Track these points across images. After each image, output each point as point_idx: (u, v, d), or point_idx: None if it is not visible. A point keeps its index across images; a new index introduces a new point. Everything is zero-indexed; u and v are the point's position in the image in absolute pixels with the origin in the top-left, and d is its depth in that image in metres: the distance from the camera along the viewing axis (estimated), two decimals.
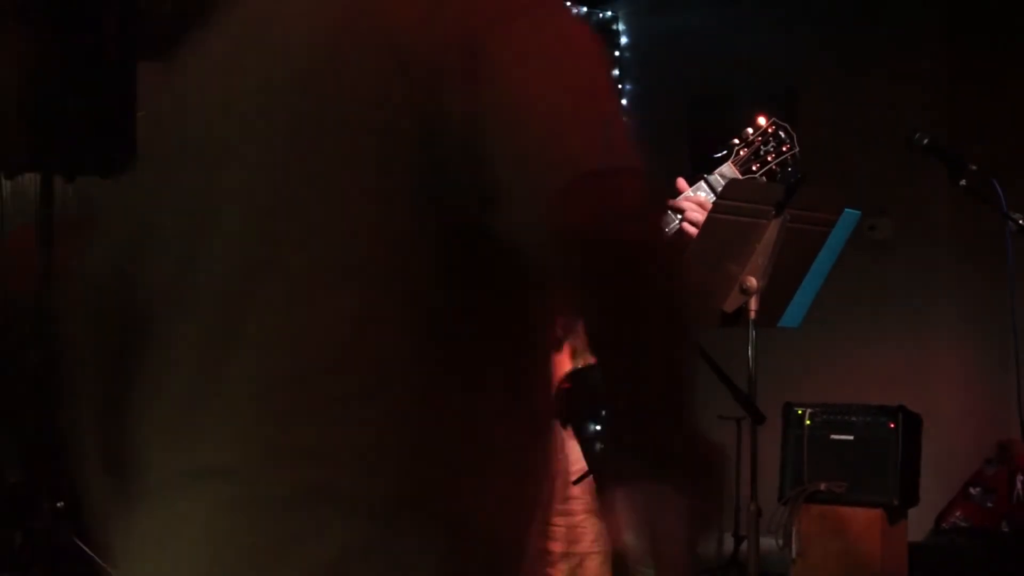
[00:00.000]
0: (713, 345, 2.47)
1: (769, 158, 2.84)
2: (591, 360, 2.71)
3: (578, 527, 2.77)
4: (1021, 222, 3.02)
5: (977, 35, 5.38)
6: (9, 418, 4.06)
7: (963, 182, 3.07)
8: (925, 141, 3.14)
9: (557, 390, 2.70)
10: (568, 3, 6.49)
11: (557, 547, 2.76)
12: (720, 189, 2.75)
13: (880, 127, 5.50)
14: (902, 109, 5.42)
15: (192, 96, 1.33)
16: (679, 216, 2.75)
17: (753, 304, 2.78)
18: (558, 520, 2.75)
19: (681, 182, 2.79)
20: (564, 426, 2.79)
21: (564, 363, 2.70)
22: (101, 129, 3.75)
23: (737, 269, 2.78)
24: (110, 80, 3.78)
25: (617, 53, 6.80)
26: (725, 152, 2.85)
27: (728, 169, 2.81)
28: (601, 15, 6.73)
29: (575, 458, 2.80)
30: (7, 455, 4.02)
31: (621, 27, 6.81)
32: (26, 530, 3.85)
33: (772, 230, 2.75)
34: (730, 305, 2.81)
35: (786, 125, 2.86)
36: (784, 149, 2.85)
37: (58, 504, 3.60)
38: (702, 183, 2.78)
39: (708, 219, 2.67)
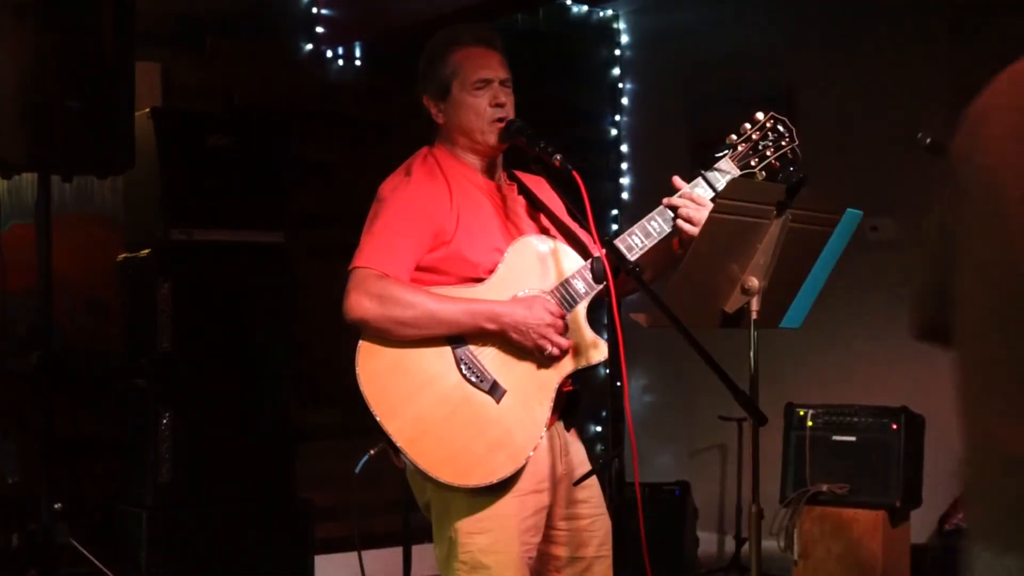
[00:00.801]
0: (715, 346, 2.46)
1: (768, 152, 2.82)
2: (592, 360, 2.70)
3: (585, 531, 2.74)
4: None
5: (980, 32, 5.36)
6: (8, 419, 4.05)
7: None
8: (928, 140, 3.12)
9: (559, 392, 2.69)
10: (568, 2, 6.49)
11: (563, 552, 2.74)
12: (718, 185, 2.74)
13: (882, 126, 5.48)
14: (904, 108, 5.40)
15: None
16: (673, 213, 2.74)
17: (755, 305, 2.77)
18: (563, 524, 2.73)
19: (677, 180, 2.78)
20: (568, 428, 2.78)
21: (565, 364, 2.68)
22: (99, 129, 3.74)
23: (738, 269, 2.76)
24: (108, 79, 3.77)
25: (617, 52, 6.79)
26: (725, 152, 2.83)
27: (726, 165, 2.80)
28: (601, 14, 6.71)
29: (579, 461, 2.78)
30: (6, 456, 4.01)
31: (621, 26, 6.80)
32: (24, 531, 3.84)
33: (774, 230, 2.73)
34: (731, 306, 2.79)
35: (784, 119, 2.84)
36: (783, 144, 2.83)
37: (56, 506, 3.60)
38: (700, 179, 2.77)
39: (709, 219, 2.66)
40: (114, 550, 4.16)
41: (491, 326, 2.60)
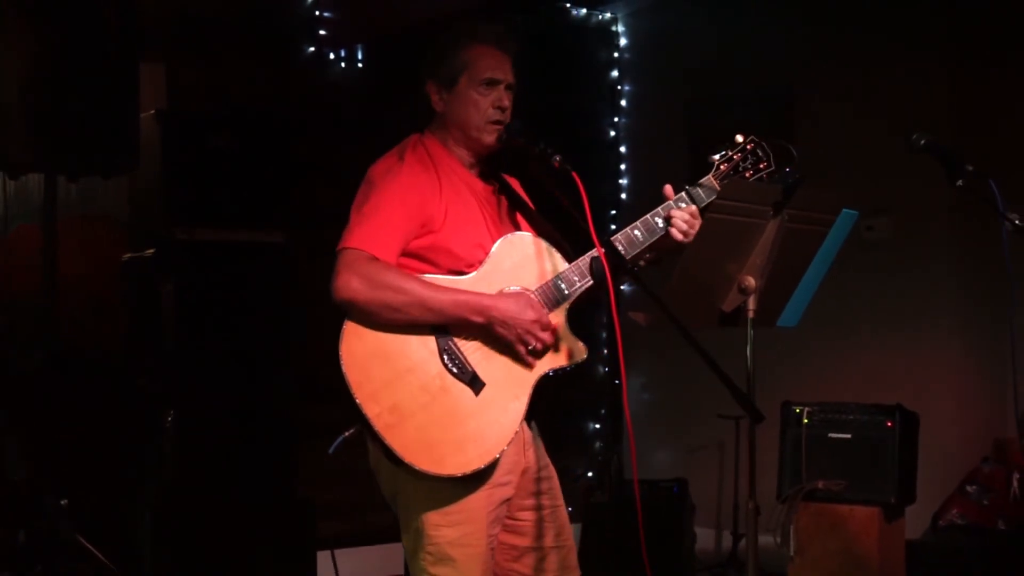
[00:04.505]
0: (712, 344, 2.49)
1: (747, 174, 2.88)
2: (573, 361, 2.74)
3: (544, 521, 2.79)
4: (1018, 222, 3.03)
5: (977, 34, 5.39)
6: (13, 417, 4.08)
7: (960, 182, 3.07)
8: (923, 142, 3.14)
9: (534, 389, 2.73)
10: (568, 4, 6.52)
11: (523, 541, 2.79)
12: (700, 202, 2.80)
13: (878, 127, 5.51)
14: (901, 109, 5.44)
15: None
16: (664, 221, 2.78)
17: (751, 304, 2.80)
18: (523, 515, 2.78)
19: (668, 189, 2.83)
20: (528, 422, 2.82)
21: (545, 362, 2.72)
22: (104, 130, 3.77)
23: (736, 269, 2.79)
24: (113, 81, 3.80)
25: (616, 54, 6.82)
26: (713, 162, 2.89)
27: (709, 183, 2.85)
28: (600, 16, 6.75)
29: (540, 453, 2.83)
30: (10, 453, 4.03)
31: (620, 28, 6.83)
32: (29, 528, 3.86)
33: (770, 230, 2.77)
34: (729, 305, 2.82)
35: (764, 143, 2.89)
36: (761, 167, 2.89)
37: (61, 502, 3.62)
38: (683, 195, 2.82)
39: (707, 219, 2.70)
40: (118, 548, 4.18)
41: (478, 319, 2.63)
